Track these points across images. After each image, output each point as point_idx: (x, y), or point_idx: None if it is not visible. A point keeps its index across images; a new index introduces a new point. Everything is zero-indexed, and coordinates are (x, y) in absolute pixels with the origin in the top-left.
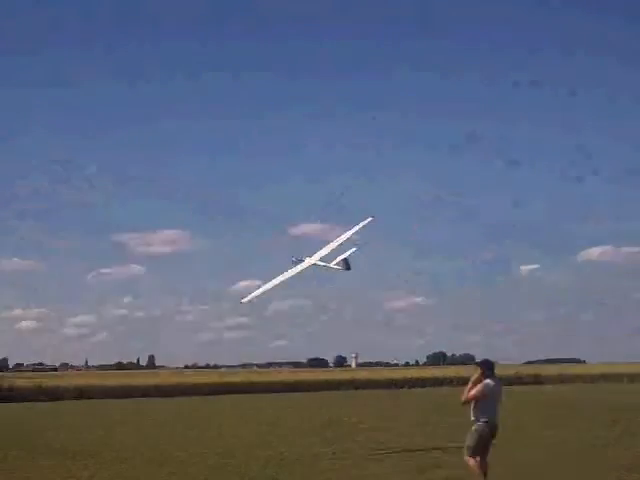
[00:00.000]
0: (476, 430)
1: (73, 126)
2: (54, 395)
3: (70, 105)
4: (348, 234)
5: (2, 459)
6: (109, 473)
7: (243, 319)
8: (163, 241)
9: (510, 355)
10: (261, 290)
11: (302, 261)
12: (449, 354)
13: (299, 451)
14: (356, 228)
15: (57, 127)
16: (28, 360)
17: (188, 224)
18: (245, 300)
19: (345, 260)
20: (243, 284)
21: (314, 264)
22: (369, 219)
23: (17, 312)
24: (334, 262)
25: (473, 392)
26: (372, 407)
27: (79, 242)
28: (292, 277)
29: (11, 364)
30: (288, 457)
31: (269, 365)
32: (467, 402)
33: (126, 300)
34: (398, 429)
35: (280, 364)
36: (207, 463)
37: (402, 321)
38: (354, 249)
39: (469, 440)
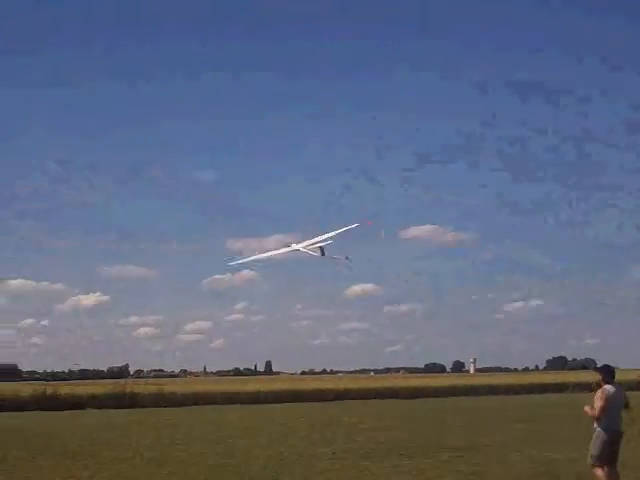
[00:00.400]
0: (598, 437)
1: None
2: (174, 401)
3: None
4: (332, 234)
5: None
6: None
7: (358, 324)
8: (275, 246)
9: (633, 360)
10: (248, 259)
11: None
12: (569, 359)
13: None
14: (340, 230)
15: None
16: (148, 367)
17: (299, 228)
18: (232, 263)
19: (321, 248)
20: (357, 288)
21: (297, 249)
22: (355, 225)
23: (135, 319)
24: (312, 249)
25: (599, 403)
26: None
27: (194, 249)
28: (277, 255)
29: (132, 370)
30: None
31: (387, 370)
32: (599, 416)
33: (241, 306)
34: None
35: (397, 369)
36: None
37: (521, 325)
38: (330, 241)
39: (593, 449)
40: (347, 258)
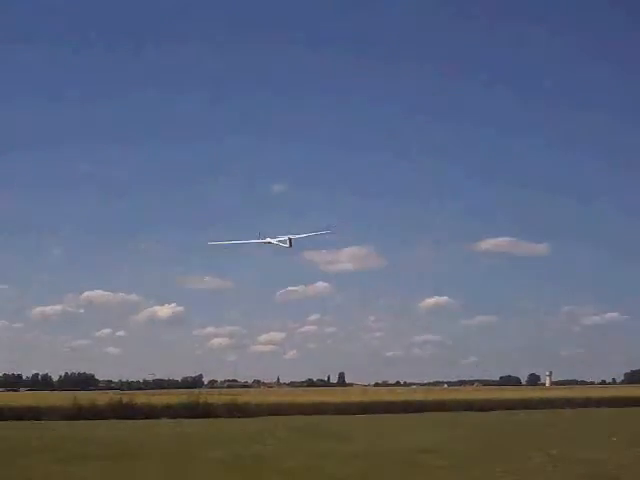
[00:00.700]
0: None
1: None
2: (247, 412)
3: None
4: (305, 235)
5: None
6: None
7: (432, 336)
8: (348, 258)
9: None
10: (226, 243)
11: (264, 238)
12: None
13: None
14: (313, 234)
15: None
16: (222, 377)
17: (372, 241)
18: (211, 243)
19: (290, 240)
20: (431, 300)
21: (269, 242)
22: (327, 231)
23: (210, 330)
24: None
25: None
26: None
27: (266, 261)
28: (249, 244)
29: (206, 381)
30: None
31: (460, 383)
32: None
33: (314, 317)
34: None
35: (471, 382)
36: None
37: (598, 338)
38: (298, 236)
39: None
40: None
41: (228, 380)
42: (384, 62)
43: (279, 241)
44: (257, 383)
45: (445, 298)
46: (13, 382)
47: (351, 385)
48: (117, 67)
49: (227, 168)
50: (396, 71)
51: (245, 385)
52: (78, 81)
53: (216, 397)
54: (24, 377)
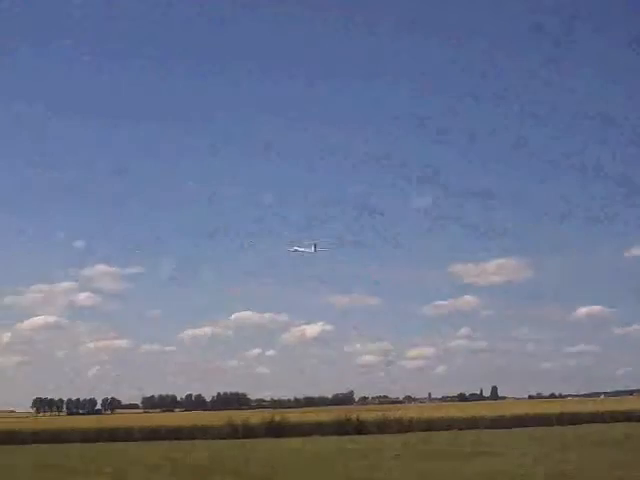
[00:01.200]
0: None
1: None
2: (400, 428)
3: None
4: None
5: None
6: None
7: (586, 346)
8: (496, 270)
9: None
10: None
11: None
12: None
13: None
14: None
15: None
16: (372, 393)
17: (517, 252)
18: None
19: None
20: (584, 309)
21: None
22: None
23: (359, 346)
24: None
25: None
26: None
27: (415, 275)
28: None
29: (356, 397)
30: None
31: (618, 393)
32: None
33: (464, 331)
34: None
35: (630, 392)
36: None
37: None
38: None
39: None
40: (314, 247)
41: (379, 396)
42: None
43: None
44: (408, 399)
45: (599, 307)
46: (168, 403)
47: (504, 398)
48: None
49: None
50: None
51: (396, 401)
52: None
53: (368, 413)
54: (178, 398)
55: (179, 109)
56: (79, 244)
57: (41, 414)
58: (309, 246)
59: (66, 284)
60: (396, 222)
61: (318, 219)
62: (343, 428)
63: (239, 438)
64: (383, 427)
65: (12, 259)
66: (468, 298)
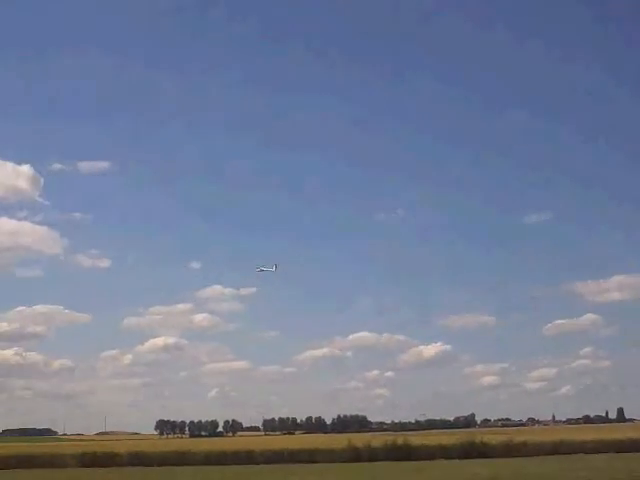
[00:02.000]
0: None
1: None
2: (525, 451)
3: None
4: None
5: None
6: None
7: None
8: (617, 287)
9: None
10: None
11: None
12: None
13: None
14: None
15: None
16: (494, 415)
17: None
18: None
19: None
20: None
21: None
22: (273, 269)
23: (479, 368)
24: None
25: None
26: None
27: (533, 293)
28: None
29: (478, 420)
30: None
31: None
32: None
33: (587, 351)
34: None
35: None
36: None
37: None
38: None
39: None
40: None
41: (501, 419)
42: None
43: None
44: (532, 421)
45: None
46: (289, 426)
47: (632, 421)
48: None
49: None
50: None
51: (519, 423)
52: None
53: (492, 437)
54: (298, 420)
55: None
56: (195, 265)
57: (164, 436)
58: (271, 266)
59: (182, 306)
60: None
61: None
62: (467, 451)
63: (360, 461)
64: (509, 450)
65: (132, 281)
66: (590, 316)
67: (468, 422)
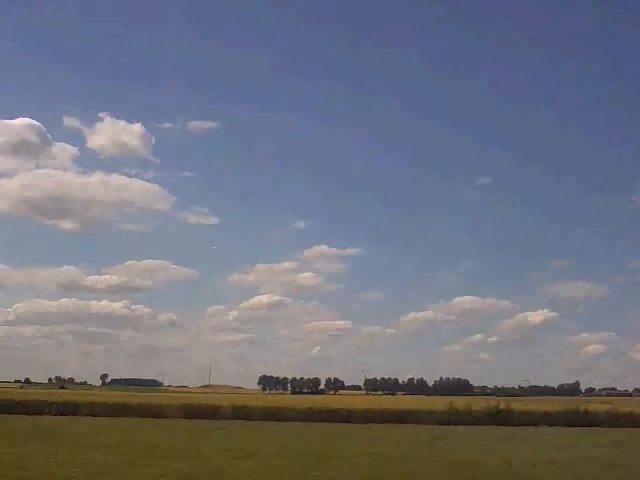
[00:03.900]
0: None
1: None
2: (630, 422)
3: None
4: None
5: None
6: None
7: None
8: None
9: None
10: None
11: None
12: None
13: None
14: None
15: None
16: (600, 385)
17: None
18: None
19: None
20: None
21: None
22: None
23: (585, 336)
24: None
25: None
26: None
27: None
28: None
29: (583, 388)
30: None
31: None
32: None
33: None
34: None
35: None
36: None
37: None
38: None
39: None
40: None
41: (607, 388)
42: None
43: None
44: (638, 391)
45: None
46: (391, 386)
47: None
48: None
49: None
50: None
51: (625, 394)
52: None
53: (596, 405)
54: (400, 381)
55: None
56: (300, 225)
57: (267, 392)
58: None
59: (287, 264)
60: None
61: None
62: (571, 419)
63: (461, 424)
64: (614, 421)
65: (238, 239)
66: None
67: (572, 390)
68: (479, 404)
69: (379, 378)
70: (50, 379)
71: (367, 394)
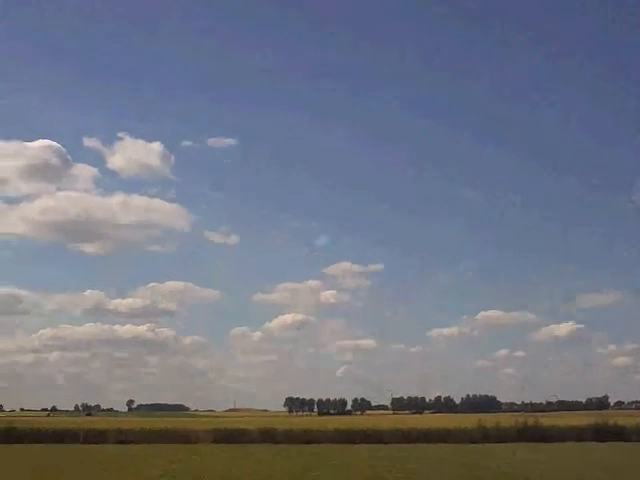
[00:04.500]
0: None
1: None
2: None
3: None
4: None
5: None
6: None
7: None
8: None
9: None
10: None
11: None
12: None
13: None
14: None
15: None
16: (629, 398)
17: None
18: None
19: None
20: None
21: None
22: None
23: (612, 348)
24: None
25: None
26: None
27: None
28: None
29: (612, 402)
30: None
31: None
32: None
33: None
34: None
35: None
36: None
37: None
38: None
39: None
40: None
41: (636, 401)
42: None
43: None
44: None
45: None
46: (417, 405)
47: None
48: None
49: None
50: None
51: None
52: None
53: (626, 419)
54: (427, 400)
55: None
56: (322, 241)
57: (293, 413)
58: None
59: (311, 282)
60: None
61: None
62: (600, 434)
63: (490, 442)
64: None
65: (260, 258)
66: None
67: (601, 404)
68: (508, 421)
69: (405, 397)
70: (76, 406)
71: (394, 414)
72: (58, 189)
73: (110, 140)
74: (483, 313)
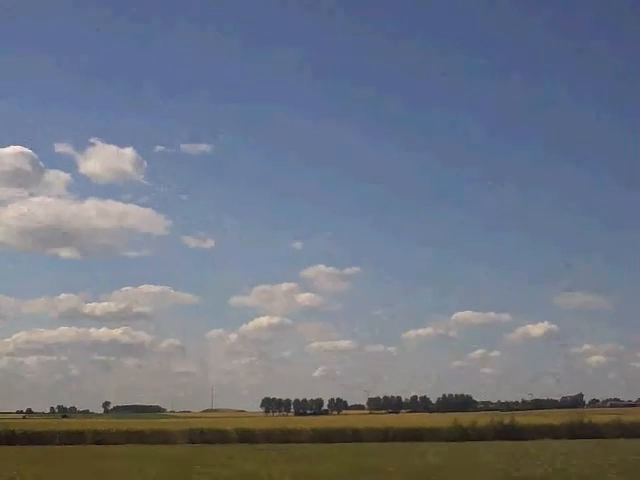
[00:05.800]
0: None
1: None
2: (635, 432)
3: None
4: None
5: None
6: None
7: None
8: None
9: None
10: None
11: None
12: None
13: None
14: None
15: None
16: (603, 396)
17: None
18: None
19: None
20: None
21: None
22: None
23: (587, 347)
24: None
25: None
26: None
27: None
28: None
29: (586, 400)
30: None
31: None
32: None
33: None
34: None
35: None
36: None
37: None
38: None
39: None
40: None
41: (610, 399)
42: None
43: None
44: None
45: None
46: (394, 405)
47: None
48: None
49: None
50: None
51: (629, 404)
52: None
53: (601, 417)
54: (403, 399)
55: None
56: (297, 245)
57: (270, 414)
58: None
59: (286, 285)
60: None
61: None
62: (575, 432)
63: (466, 440)
64: (618, 431)
65: (236, 261)
66: None
67: (576, 402)
68: (484, 420)
69: (382, 397)
70: (52, 408)
71: (370, 413)
72: (31, 195)
73: (82, 146)
74: (458, 314)
